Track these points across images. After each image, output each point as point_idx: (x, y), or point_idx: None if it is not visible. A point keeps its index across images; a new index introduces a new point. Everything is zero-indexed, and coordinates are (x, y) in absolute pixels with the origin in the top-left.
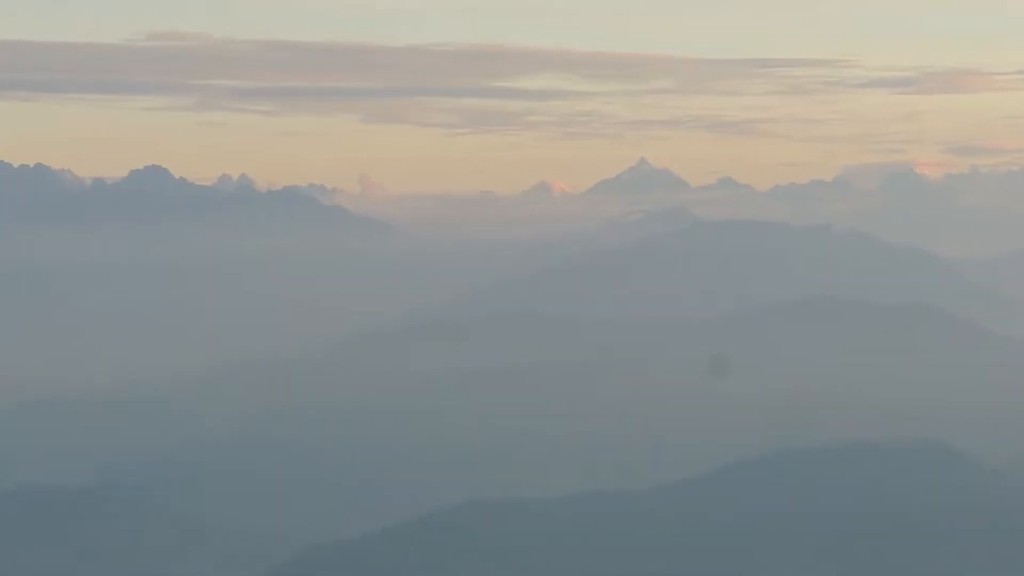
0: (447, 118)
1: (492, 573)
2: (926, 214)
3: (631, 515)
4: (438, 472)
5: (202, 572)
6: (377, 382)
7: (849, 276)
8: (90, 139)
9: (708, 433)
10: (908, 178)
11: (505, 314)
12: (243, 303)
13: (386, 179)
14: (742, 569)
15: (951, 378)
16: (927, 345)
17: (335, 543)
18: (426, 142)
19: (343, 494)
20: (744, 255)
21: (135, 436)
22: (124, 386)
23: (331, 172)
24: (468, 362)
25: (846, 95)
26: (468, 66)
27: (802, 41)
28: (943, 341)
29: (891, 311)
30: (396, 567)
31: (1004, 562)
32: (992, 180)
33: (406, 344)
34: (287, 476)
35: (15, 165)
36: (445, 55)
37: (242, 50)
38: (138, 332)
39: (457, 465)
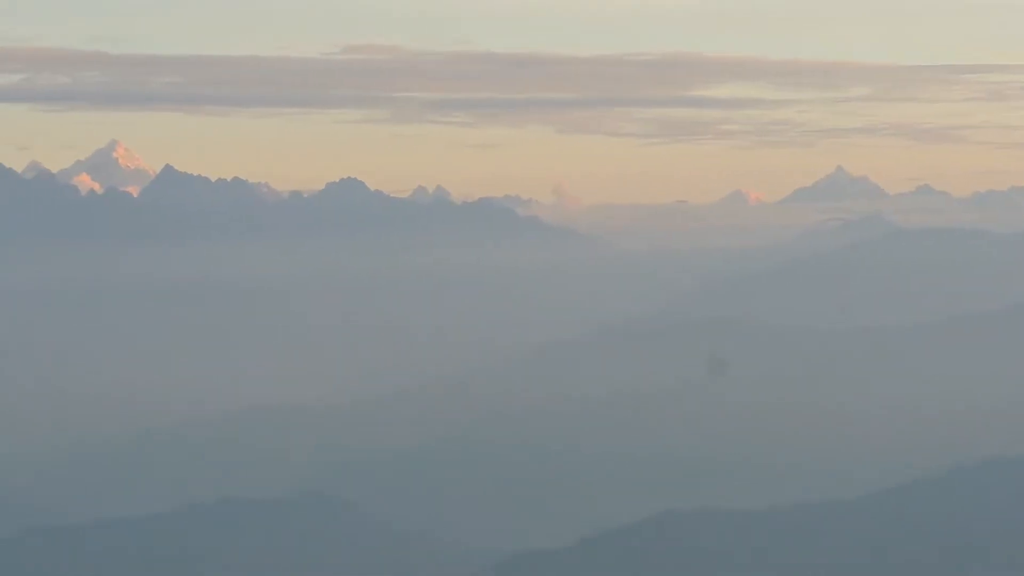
0: (641, 128)
1: None
2: None
3: (837, 525)
4: (638, 482)
5: None
6: (575, 392)
7: None
8: (287, 152)
9: (912, 442)
10: None
11: (701, 324)
12: (440, 315)
13: (581, 189)
14: None
15: None
16: None
17: (537, 552)
18: (620, 152)
19: (545, 504)
20: (944, 263)
21: (340, 447)
22: (328, 397)
23: (526, 183)
24: (665, 372)
25: None
26: (662, 75)
27: (1000, 47)
28: None
29: None
30: None
31: None
32: None
33: (602, 355)
34: (489, 485)
35: (213, 179)
36: (639, 64)
37: (436, 62)
38: (337, 344)
39: (657, 474)
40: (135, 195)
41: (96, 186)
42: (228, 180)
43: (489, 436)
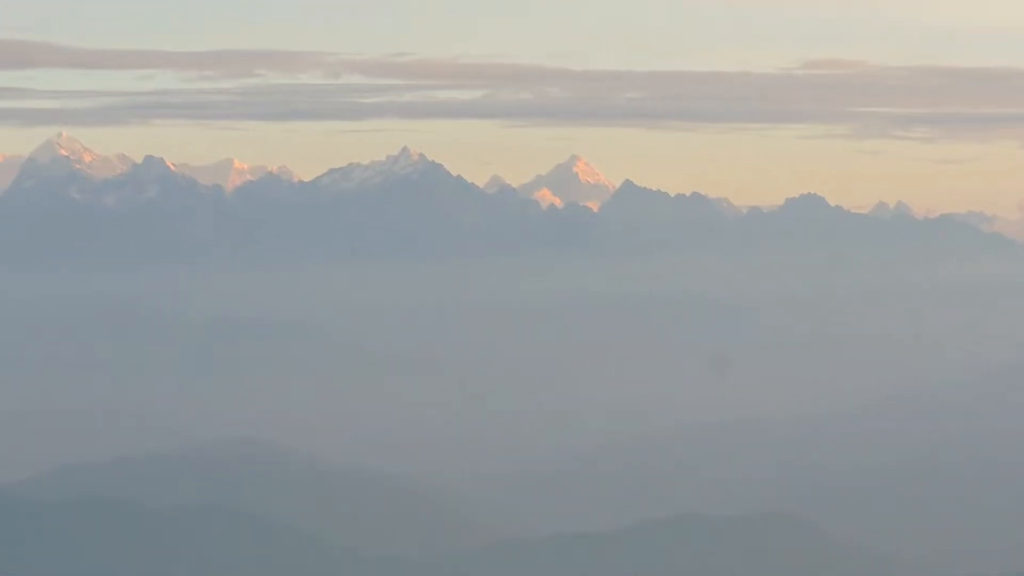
0: None
1: None
2: None
3: None
4: None
5: None
6: None
7: None
8: (747, 168)
9: None
10: None
11: None
12: (901, 330)
13: None
14: None
15: None
16: None
17: None
18: None
19: (1004, 523)
20: None
21: (801, 463)
22: (789, 412)
23: (990, 199)
24: None
25: None
26: None
27: None
28: None
29: None
30: None
31: None
32: None
33: None
34: (957, 502)
35: (672, 194)
36: None
37: (899, 77)
38: (793, 358)
39: None
40: (595, 210)
41: (556, 200)
42: (687, 195)
43: (949, 455)
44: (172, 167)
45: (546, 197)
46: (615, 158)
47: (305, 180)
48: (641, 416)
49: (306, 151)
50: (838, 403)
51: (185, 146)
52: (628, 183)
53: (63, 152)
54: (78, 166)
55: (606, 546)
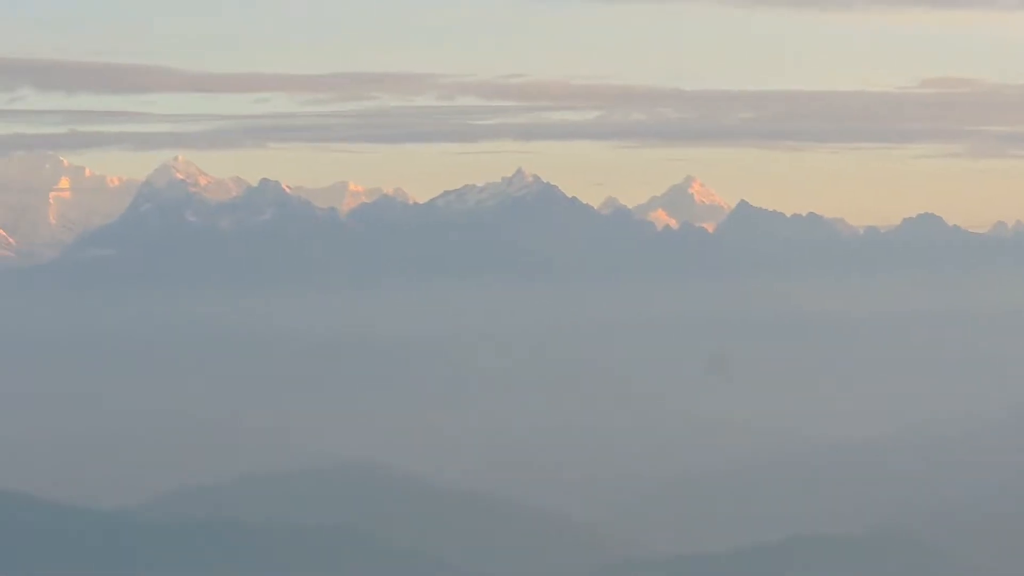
0: None
1: None
2: None
3: None
4: None
5: None
6: None
7: None
8: (863, 188)
9: None
10: None
11: None
12: (1022, 350)
13: None
14: None
15: None
16: None
17: None
18: None
19: None
20: None
21: (912, 485)
22: (910, 432)
23: None
24: None
25: None
26: None
27: None
28: None
29: None
30: None
31: None
32: None
33: None
34: None
35: (788, 215)
36: None
37: (1016, 95)
38: (918, 380)
39: None
40: (710, 231)
41: (672, 222)
42: (803, 216)
43: None
44: (287, 190)
45: (661, 218)
46: (730, 179)
47: (420, 202)
48: (756, 437)
49: (421, 173)
50: (956, 423)
51: (300, 169)
52: (743, 204)
53: (179, 176)
54: (194, 189)
55: (721, 567)
